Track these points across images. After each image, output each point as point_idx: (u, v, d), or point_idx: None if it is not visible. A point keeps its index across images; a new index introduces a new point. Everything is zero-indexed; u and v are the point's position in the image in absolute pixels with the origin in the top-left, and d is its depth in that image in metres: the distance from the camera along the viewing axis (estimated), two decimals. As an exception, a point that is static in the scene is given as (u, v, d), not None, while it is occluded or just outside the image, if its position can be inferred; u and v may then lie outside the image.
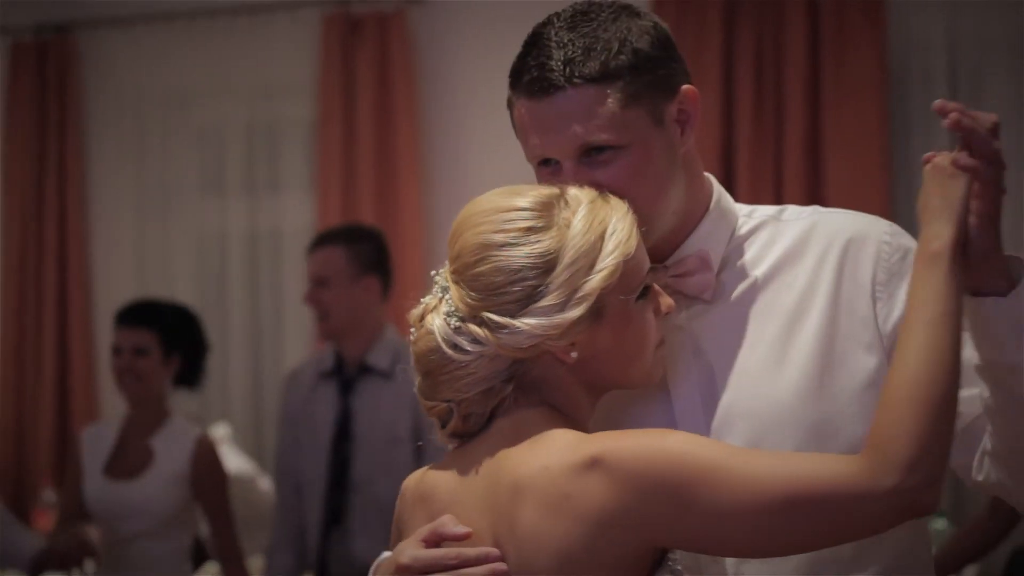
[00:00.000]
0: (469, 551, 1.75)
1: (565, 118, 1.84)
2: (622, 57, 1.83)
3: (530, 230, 1.77)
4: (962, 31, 5.64)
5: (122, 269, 6.57)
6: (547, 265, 1.75)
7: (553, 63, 1.84)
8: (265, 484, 5.54)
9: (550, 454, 1.72)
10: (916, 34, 5.69)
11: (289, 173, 6.48)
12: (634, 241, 1.78)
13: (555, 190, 1.82)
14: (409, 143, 6.12)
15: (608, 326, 1.79)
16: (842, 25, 5.63)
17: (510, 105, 1.91)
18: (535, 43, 1.88)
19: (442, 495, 1.84)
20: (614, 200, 1.81)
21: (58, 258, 6.58)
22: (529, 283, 1.75)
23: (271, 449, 5.77)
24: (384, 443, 4.31)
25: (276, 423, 4.70)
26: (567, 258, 1.75)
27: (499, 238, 1.77)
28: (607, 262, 1.76)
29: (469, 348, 1.76)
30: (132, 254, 6.60)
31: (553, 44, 1.85)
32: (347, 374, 4.42)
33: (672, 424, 1.91)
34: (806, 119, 5.67)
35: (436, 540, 1.78)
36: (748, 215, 2.02)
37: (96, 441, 4.51)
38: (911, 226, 5.48)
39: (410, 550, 1.79)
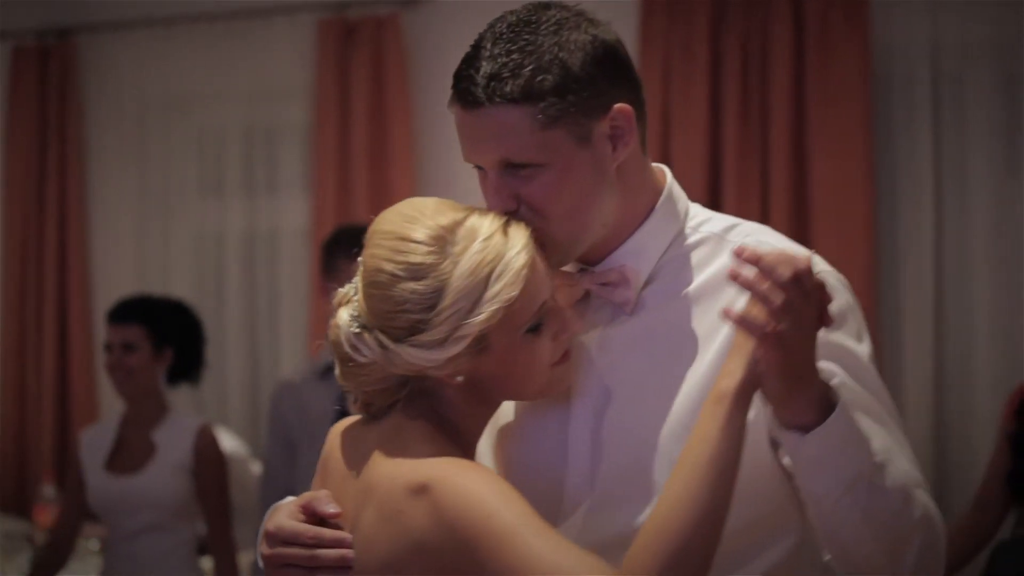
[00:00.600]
0: (327, 533, 1.83)
1: (486, 133, 1.85)
2: (548, 77, 1.81)
3: (418, 267, 1.79)
4: (944, 37, 5.67)
5: (122, 269, 6.62)
6: (429, 303, 1.78)
7: (479, 77, 1.83)
8: (257, 468, 5.60)
9: (400, 466, 1.77)
10: (899, 40, 5.73)
11: (286, 174, 6.53)
12: (519, 285, 1.78)
13: (457, 217, 1.82)
14: (403, 145, 6.17)
15: (493, 357, 1.82)
16: (826, 31, 5.68)
17: (450, 104, 1.90)
18: (474, 50, 1.88)
19: (334, 464, 1.93)
20: (515, 233, 1.82)
21: (59, 258, 6.64)
22: (413, 316, 1.79)
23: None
24: None
25: (266, 428, 4.72)
26: (448, 299, 1.77)
27: (388, 267, 1.80)
28: (485, 308, 1.77)
29: (365, 353, 1.82)
30: (132, 254, 6.66)
31: (485, 56, 1.85)
32: None
33: (564, 437, 1.92)
34: (792, 123, 5.71)
35: (310, 512, 1.86)
36: (696, 227, 1.97)
37: (95, 440, 4.53)
38: (892, 229, 5.58)
39: (281, 517, 1.88)
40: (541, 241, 1.86)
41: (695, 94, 5.78)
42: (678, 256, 1.95)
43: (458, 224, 1.81)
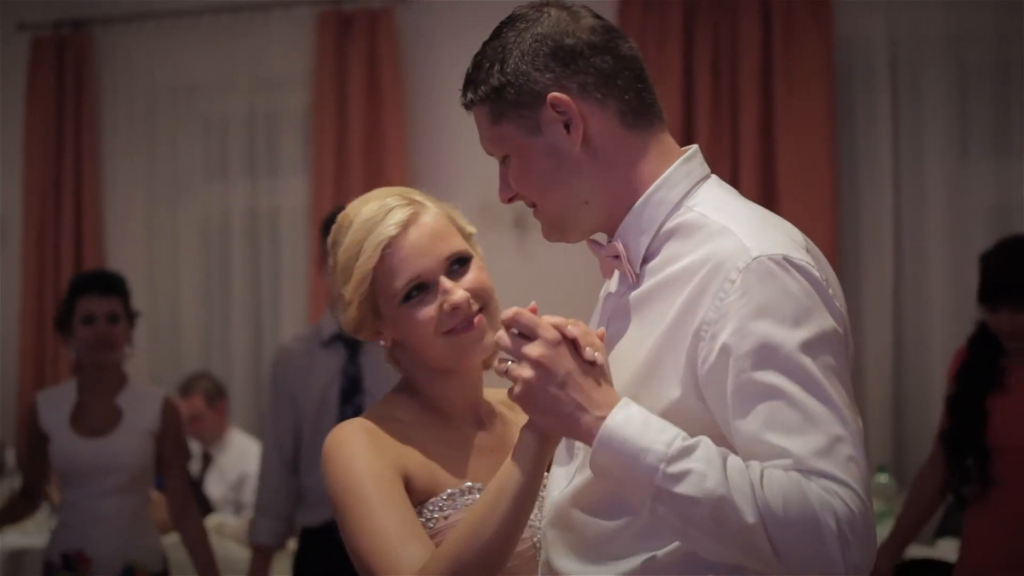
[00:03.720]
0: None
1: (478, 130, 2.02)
2: (490, 79, 1.93)
3: (332, 245, 2.13)
4: (901, 30, 5.93)
5: (134, 247, 6.82)
6: (334, 274, 2.13)
7: (463, 85, 2.00)
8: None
9: None
10: (859, 32, 5.98)
11: (286, 158, 6.72)
12: (375, 258, 2.06)
13: (368, 203, 2.13)
14: (396, 130, 6.38)
15: (388, 323, 2.11)
16: (791, 25, 5.94)
17: None
18: None
19: None
20: (393, 215, 2.08)
21: (75, 237, 6.85)
22: (335, 288, 2.14)
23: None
24: None
25: (270, 394, 4.67)
26: (337, 271, 2.12)
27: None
28: (353, 276, 2.08)
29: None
30: (143, 233, 6.85)
31: (472, 63, 2.00)
32: (351, 337, 4.46)
33: None
34: (759, 110, 5.97)
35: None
36: (691, 207, 1.93)
37: (54, 403, 4.49)
38: (854, 208, 5.77)
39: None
40: (538, 219, 2.02)
41: (669, 84, 6.01)
42: (667, 238, 1.93)
43: (362, 209, 2.12)
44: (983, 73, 5.91)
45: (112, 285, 4.49)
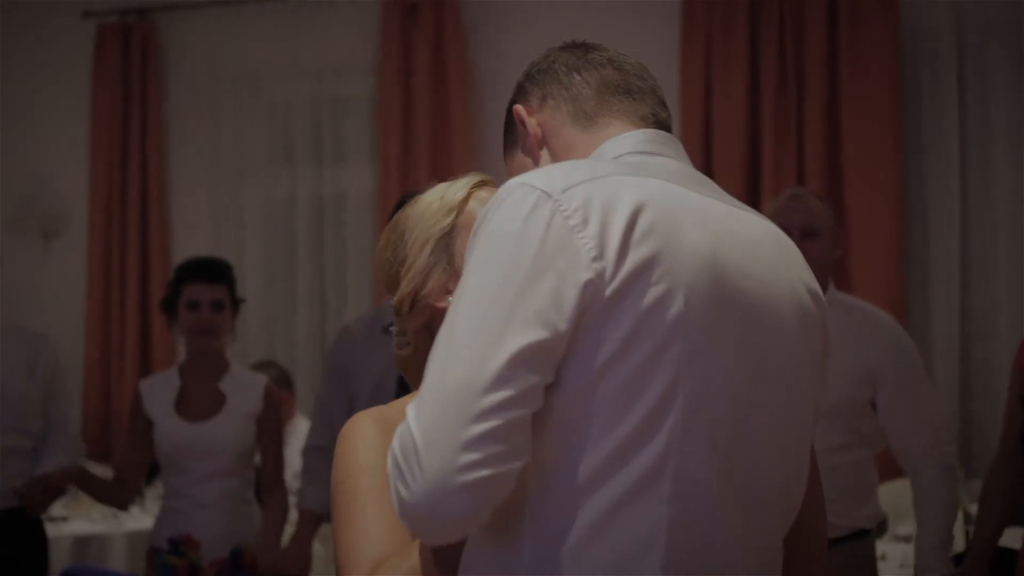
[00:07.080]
0: None
1: None
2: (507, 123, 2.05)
3: (396, 231, 2.06)
4: (967, 14, 5.94)
5: (199, 232, 6.92)
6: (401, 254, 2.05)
7: None
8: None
9: None
10: (925, 17, 6.00)
11: (351, 145, 6.79)
12: (462, 193, 2.00)
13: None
14: (461, 117, 6.43)
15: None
16: (857, 11, 5.96)
17: None
18: None
19: None
20: (459, 182, 2.06)
21: (140, 224, 6.95)
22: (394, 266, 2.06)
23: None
24: None
25: (324, 373, 4.62)
26: (408, 236, 2.02)
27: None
28: (430, 222, 2.00)
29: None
30: (208, 219, 6.95)
31: None
32: None
33: None
34: (825, 96, 5.99)
35: None
36: None
37: (157, 389, 4.56)
38: (920, 194, 5.75)
39: None
40: None
41: (735, 71, 6.07)
42: None
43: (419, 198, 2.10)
44: (1050, 57, 5.89)
45: (218, 273, 4.55)
